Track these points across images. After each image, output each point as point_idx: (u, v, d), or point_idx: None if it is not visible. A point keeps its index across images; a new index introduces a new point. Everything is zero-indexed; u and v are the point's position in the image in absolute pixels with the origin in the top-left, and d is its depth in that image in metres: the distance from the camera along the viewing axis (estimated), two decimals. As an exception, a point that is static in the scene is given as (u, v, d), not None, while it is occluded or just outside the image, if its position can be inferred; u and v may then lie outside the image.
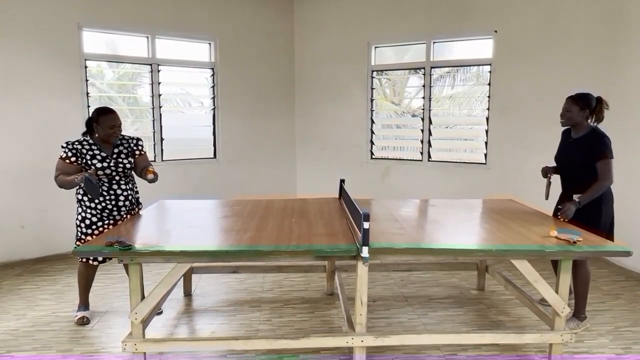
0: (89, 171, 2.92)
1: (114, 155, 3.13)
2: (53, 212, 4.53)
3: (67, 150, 3.03)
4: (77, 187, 3.03)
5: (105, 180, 3.09)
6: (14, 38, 4.27)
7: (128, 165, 3.16)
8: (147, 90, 5.18)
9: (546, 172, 3.25)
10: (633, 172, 4.16)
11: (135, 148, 3.24)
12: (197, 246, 2.45)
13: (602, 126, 3.09)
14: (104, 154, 3.09)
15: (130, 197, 3.19)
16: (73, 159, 3.02)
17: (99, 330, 3.09)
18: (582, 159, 2.98)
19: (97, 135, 3.09)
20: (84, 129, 3.17)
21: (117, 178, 3.13)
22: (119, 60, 5.07)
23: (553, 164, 3.29)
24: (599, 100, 3.04)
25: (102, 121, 3.05)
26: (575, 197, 2.90)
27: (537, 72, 4.69)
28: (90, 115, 3.16)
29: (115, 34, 4.93)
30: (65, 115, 4.56)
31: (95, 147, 3.09)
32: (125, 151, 3.19)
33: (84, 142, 3.08)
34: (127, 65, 5.21)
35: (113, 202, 3.10)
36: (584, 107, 3.00)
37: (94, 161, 3.04)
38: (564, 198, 3.16)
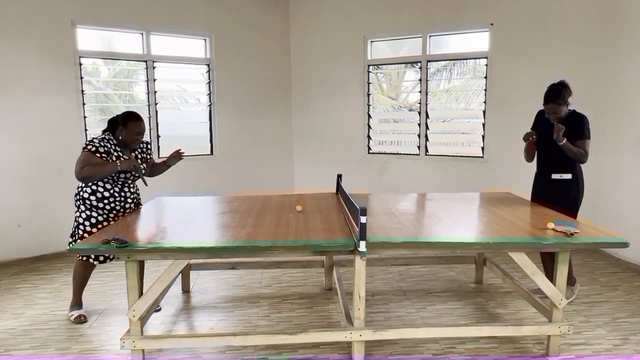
0: (135, 161, 3.03)
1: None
2: (50, 210, 4.52)
3: (97, 145, 3.01)
4: (84, 185, 3.04)
5: (120, 183, 3.11)
6: (6, 36, 4.23)
7: (143, 171, 3.20)
8: (143, 87, 5.16)
9: (529, 135, 3.35)
10: (628, 165, 4.17)
11: (148, 151, 3.33)
12: (195, 242, 2.44)
13: (588, 110, 3.27)
14: (125, 157, 3.12)
15: (135, 200, 3.25)
16: (105, 155, 3.01)
17: (97, 328, 3.08)
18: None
19: (120, 137, 3.10)
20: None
21: (129, 181, 3.16)
22: (113, 57, 5.04)
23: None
24: (565, 84, 3.19)
25: (131, 127, 3.07)
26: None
27: (533, 65, 4.68)
28: (115, 116, 3.17)
29: (110, 31, 4.90)
30: (60, 113, 4.53)
31: (119, 149, 3.11)
32: (140, 156, 3.25)
33: (110, 141, 3.08)
34: (123, 62, 5.18)
35: (122, 204, 3.13)
36: (564, 101, 3.16)
37: (117, 162, 3.04)
38: (540, 178, 3.37)
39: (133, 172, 3.12)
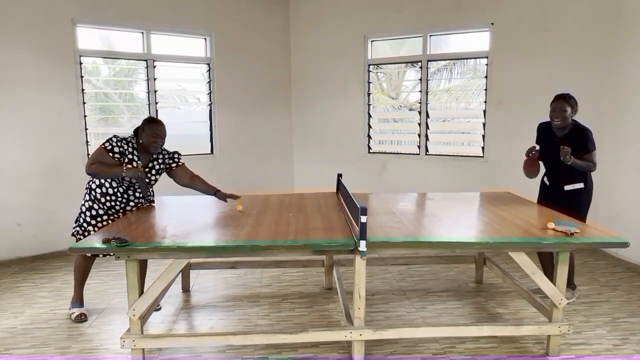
0: (141, 171, 3.02)
1: (146, 169, 3.17)
2: (50, 209, 4.52)
3: (114, 144, 3.03)
4: (92, 178, 3.08)
5: (125, 185, 3.12)
6: (7, 35, 4.23)
7: (153, 183, 3.23)
8: (143, 86, 5.16)
9: (531, 150, 3.33)
10: (628, 165, 4.17)
11: (171, 162, 3.29)
12: (194, 242, 2.44)
13: (588, 120, 3.29)
14: (140, 163, 3.12)
15: (138, 205, 3.24)
16: (118, 156, 3.03)
17: (97, 327, 3.08)
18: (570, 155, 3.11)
19: (140, 141, 3.12)
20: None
21: (135, 185, 3.17)
22: (114, 57, 5.04)
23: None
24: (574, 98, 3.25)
25: (147, 128, 3.09)
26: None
27: (534, 64, 4.67)
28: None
29: (110, 30, 4.90)
30: (60, 112, 4.53)
31: (137, 153, 3.12)
32: (157, 167, 3.23)
33: (130, 144, 3.10)
34: (123, 61, 5.18)
35: (122, 205, 3.14)
36: (573, 106, 3.18)
37: (124, 167, 3.04)
38: (549, 187, 3.35)
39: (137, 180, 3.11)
